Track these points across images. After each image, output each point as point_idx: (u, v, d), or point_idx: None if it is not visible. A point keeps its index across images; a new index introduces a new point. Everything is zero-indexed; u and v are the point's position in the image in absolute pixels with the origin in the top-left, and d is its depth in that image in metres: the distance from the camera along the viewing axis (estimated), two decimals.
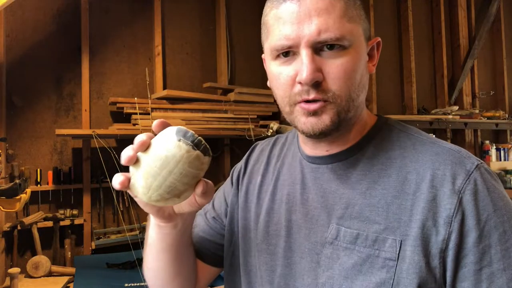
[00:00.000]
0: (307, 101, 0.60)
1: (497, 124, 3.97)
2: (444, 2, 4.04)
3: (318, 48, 0.59)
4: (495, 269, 0.56)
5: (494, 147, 4.01)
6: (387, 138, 0.67)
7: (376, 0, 3.68)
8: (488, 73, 4.38)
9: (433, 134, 3.51)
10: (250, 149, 0.87)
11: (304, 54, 0.58)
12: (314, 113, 0.61)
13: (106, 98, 2.64)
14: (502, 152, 4.04)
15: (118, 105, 2.55)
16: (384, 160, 0.64)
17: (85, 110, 2.56)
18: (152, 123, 2.55)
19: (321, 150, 0.69)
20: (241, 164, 0.85)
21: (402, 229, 0.59)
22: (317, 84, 0.59)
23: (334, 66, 0.59)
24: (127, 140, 2.58)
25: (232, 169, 0.87)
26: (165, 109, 2.62)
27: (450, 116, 3.58)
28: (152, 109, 2.55)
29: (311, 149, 0.71)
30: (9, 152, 2.36)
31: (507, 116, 4.05)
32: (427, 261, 0.57)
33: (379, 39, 0.67)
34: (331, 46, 0.59)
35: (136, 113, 2.49)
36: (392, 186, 0.62)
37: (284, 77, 0.61)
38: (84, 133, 2.41)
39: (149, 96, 2.58)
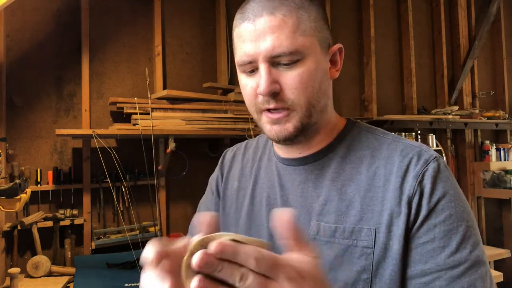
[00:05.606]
0: (271, 110, 0.66)
1: (497, 124, 3.96)
2: (444, 2, 4.04)
3: (275, 62, 0.65)
4: (436, 246, 0.62)
5: (494, 147, 4.00)
6: (357, 139, 0.73)
7: (376, 0, 3.68)
8: (488, 73, 4.37)
9: (433, 134, 3.53)
10: (222, 156, 0.91)
11: (262, 68, 0.65)
12: (278, 122, 0.67)
13: (106, 98, 2.64)
14: (502, 152, 4.03)
15: (118, 105, 2.55)
16: (355, 160, 0.70)
17: (85, 110, 2.56)
18: (152, 123, 2.54)
19: (295, 153, 0.74)
20: (217, 173, 0.89)
21: (376, 218, 0.64)
22: (274, 94, 0.65)
23: (290, 77, 0.65)
24: (127, 140, 2.59)
25: (210, 179, 0.90)
26: (165, 109, 2.61)
27: (450, 116, 3.57)
28: (152, 109, 2.55)
29: (284, 152, 0.76)
30: (9, 152, 2.36)
31: (507, 116, 4.04)
32: (399, 245, 0.62)
33: (340, 45, 0.72)
34: (286, 60, 0.64)
35: (136, 113, 2.49)
36: (364, 181, 0.67)
37: (249, 89, 0.68)
38: (84, 133, 2.41)
39: (149, 96, 2.58)
